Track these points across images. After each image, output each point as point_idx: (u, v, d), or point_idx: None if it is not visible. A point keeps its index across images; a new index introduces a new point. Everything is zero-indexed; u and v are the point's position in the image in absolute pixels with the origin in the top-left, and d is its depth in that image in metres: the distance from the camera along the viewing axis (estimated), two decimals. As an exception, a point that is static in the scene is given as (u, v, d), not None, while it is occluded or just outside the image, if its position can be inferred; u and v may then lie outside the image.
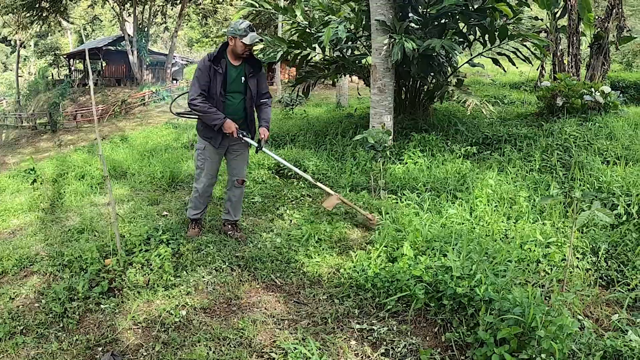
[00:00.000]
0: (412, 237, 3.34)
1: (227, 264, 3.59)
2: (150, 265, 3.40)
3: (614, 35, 9.64)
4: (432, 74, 7.65)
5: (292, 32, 8.27)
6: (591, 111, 6.77)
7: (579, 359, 1.98)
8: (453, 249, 3.05)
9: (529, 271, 2.97)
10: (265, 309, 3.00)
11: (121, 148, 10.48)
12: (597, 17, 9.59)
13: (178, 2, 31.40)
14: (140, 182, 6.51)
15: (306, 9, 8.54)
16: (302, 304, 3.04)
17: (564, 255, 3.26)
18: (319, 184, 4.14)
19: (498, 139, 7.21)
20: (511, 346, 1.94)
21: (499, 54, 7.44)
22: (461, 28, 7.31)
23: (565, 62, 11.14)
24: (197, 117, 3.93)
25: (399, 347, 2.37)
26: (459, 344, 2.31)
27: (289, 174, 6.39)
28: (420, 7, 6.86)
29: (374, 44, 6.91)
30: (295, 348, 2.36)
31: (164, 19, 35.33)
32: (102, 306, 3.00)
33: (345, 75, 11.61)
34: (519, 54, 7.12)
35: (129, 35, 31.32)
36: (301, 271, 3.51)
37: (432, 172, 5.93)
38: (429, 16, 6.82)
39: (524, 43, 6.96)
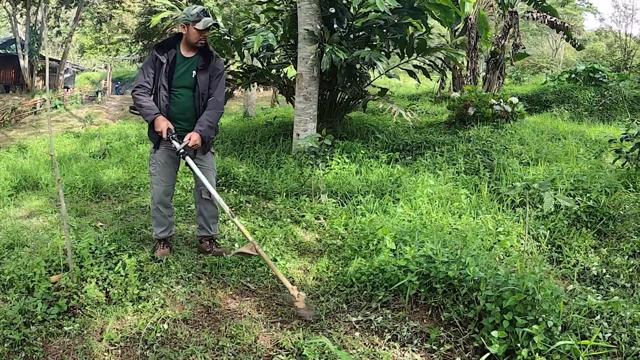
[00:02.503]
0: (381, 232, 3.60)
1: (191, 272, 3.52)
2: (107, 279, 3.22)
3: (509, 52, 11.06)
4: (353, 84, 8.14)
5: (210, 39, 8.23)
6: (500, 119, 7.73)
7: (568, 315, 2.36)
8: (425, 240, 3.36)
9: (491, 256, 3.39)
10: (249, 313, 3.03)
11: (22, 158, 9.57)
12: (494, 35, 10.95)
13: (73, 4, 29.21)
14: (58, 193, 6.03)
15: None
16: (285, 306, 3.11)
17: (512, 243, 3.76)
18: (235, 221, 3.28)
19: (417, 146, 7.87)
20: (516, 311, 2.27)
21: (415, 66, 8.17)
22: (379, 41, 7.91)
23: (464, 75, 12.49)
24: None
25: (403, 332, 2.59)
26: (458, 320, 2.60)
27: (219, 181, 6.33)
28: (346, 19, 7.31)
29: (301, 53, 7.20)
30: (309, 344, 2.45)
31: (57, 22, 32.69)
32: (65, 328, 2.76)
33: (258, 85, 11.75)
34: (433, 66, 7.90)
35: (20, 38, 28.45)
36: (270, 275, 3.58)
37: (364, 176, 6.32)
38: (353, 28, 7.29)
39: (438, 56, 7.74)
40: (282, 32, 7.81)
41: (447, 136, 7.93)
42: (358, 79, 7.85)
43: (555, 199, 2.79)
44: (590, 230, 3.92)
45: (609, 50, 27.09)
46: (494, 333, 2.23)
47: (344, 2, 7.09)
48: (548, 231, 3.87)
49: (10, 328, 2.69)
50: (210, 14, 3.52)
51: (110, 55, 38.39)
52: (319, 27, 6.97)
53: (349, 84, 8.01)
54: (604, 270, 3.28)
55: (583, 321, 2.39)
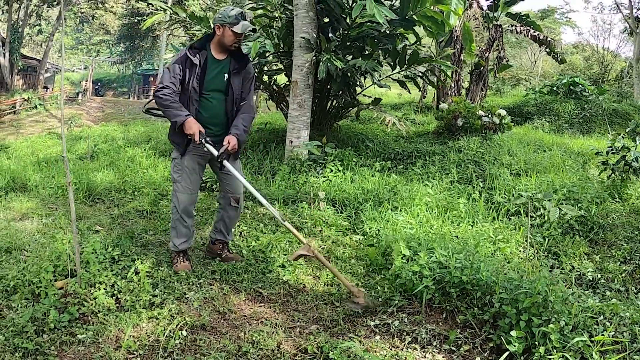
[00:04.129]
0: (392, 240, 3.78)
1: (202, 279, 3.61)
2: (114, 285, 3.24)
3: (493, 64, 11.47)
4: (345, 92, 8.35)
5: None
6: (488, 131, 8.05)
7: (575, 315, 2.57)
8: (434, 247, 3.55)
9: (494, 262, 3.60)
10: (265, 319, 3.12)
11: (6, 159, 9.42)
12: (479, 48, 11.35)
13: (56, 3, 28.79)
14: (50, 195, 6.01)
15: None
16: (301, 312, 3.24)
17: (512, 249, 3.99)
18: (286, 224, 3.35)
19: (408, 155, 8.12)
20: (532, 312, 2.47)
21: (406, 77, 8.43)
22: (372, 51, 8.14)
23: (448, 87, 12.86)
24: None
25: (422, 335, 2.75)
26: (474, 322, 2.79)
27: (213, 187, 6.40)
28: (341, 28, 7.51)
29: (297, 61, 7.37)
30: (336, 346, 2.58)
31: (38, 21, 32.16)
32: (78, 337, 2.75)
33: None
34: (423, 77, 8.17)
35: (1, 36, 27.82)
36: (280, 281, 3.71)
37: (359, 184, 6.50)
38: (348, 38, 7.50)
39: (429, 67, 8.01)
40: (276, 40, 7.96)
41: (437, 146, 8.20)
42: (352, 87, 8.05)
43: (560, 209, 3.01)
44: (583, 238, 4.19)
45: (587, 64, 28.19)
46: (513, 333, 2.42)
47: (340, 11, 7.29)
48: (545, 239, 4.12)
49: (22, 336, 2.65)
50: (247, 18, 3.50)
51: (90, 57, 37.86)
52: (315, 35, 7.16)
53: (340, 92, 8.21)
54: (599, 276, 3.53)
55: (589, 321, 2.60)
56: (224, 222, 3.81)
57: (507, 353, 2.39)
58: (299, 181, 6.64)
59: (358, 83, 8.35)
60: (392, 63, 8.14)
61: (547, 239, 4.16)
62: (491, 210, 5.03)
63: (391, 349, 2.62)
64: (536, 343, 2.39)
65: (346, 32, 7.44)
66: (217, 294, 3.38)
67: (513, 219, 4.75)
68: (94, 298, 3.06)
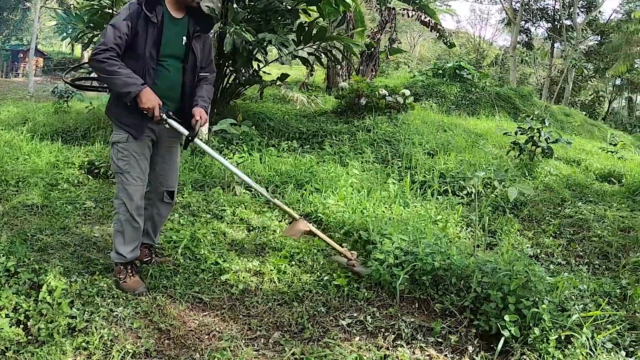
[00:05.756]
0: (334, 225, 3.53)
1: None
2: (19, 308, 2.52)
3: (385, 47, 11.73)
4: (248, 68, 7.86)
5: (87, 10, 7.18)
6: (392, 110, 8.17)
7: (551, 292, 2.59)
8: (390, 233, 3.38)
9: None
10: (217, 331, 2.67)
11: None
12: (371, 30, 11.50)
13: None
14: None
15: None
16: (255, 317, 2.84)
17: (452, 229, 4.01)
18: (277, 201, 3.08)
19: (313, 134, 7.94)
20: (518, 294, 2.41)
21: (310, 53, 8.18)
22: (277, 26, 7.75)
23: (338, 67, 12.92)
24: (102, 85, 2.89)
25: (403, 330, 2.56)
26: (454, 310, 2.67)
27: (109, 173, 5.57)
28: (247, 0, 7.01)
29: (198, 31, 6.69)
30: (319, 356, 2.28)
31: None
32: None
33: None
34: (329, 55, 7.99)
35: None
36: (219, 282, 3.25)
37: (272, 166, 6.16)
38: (254, 10, 7.02)
39: (335, 45, 7.85)
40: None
41: (342, 125, 8.12)
42: (258, 63, 7.60)
43: (516, 189, 3.02)
44: (513, 215, 4.37)
45: (464, 50, 30.68)
46: (506, 317, 2.34)
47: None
48: (481, 218, 4.20)
49: None
50: None
51: None
52: (219, 5, 6.55)
53: (243, 69, 7.71)
54: (539, 251, 3.67)
55: (561, 297, 2.63)
56: (152, 222, 3.20)
57: (503, 339, 2.30)
58: (204, 164, 6.10)
59: (262, 59, 7.91)
60: (295, 39, 7.84)
61: (480, 218, 4.26)
62: (417, 190, 5.04)
63: (379, 350, 2.38)
64: (529, 325, 2.33)
65: (252, 3, 6.95)
66: (151, 307, 2.80)
67: (441, 199, 4.81)
68: (-1, 329, 2.34)
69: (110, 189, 4.97)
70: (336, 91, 9.52)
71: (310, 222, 3.65)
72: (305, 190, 5.12)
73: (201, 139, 3.01)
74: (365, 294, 2.91)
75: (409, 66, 26.30)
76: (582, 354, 2.17)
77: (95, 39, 7.07)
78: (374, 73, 12.53)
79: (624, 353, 2.25)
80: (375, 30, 11.55)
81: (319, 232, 2.98)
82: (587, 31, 28.60)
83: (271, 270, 3.41)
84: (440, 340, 2.49)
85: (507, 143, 6.73)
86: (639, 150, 10.82)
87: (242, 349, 2.47)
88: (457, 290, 2.77)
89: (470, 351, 2.37)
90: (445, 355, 2.38)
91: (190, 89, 2.96)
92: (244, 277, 3.30)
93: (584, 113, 19.12)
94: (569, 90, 25.87)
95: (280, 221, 4.47)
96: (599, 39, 29.25)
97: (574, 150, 7.58)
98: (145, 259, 3.25)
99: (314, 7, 7.88)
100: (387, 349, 2.41)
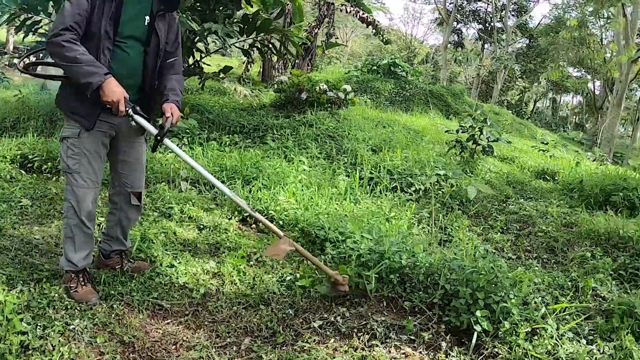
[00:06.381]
0: (289, 223, 3.49)
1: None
2: None
3: (322, 41, 11.74)
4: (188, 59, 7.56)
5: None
6: (333, 105, 8.20)
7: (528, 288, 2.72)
8: (351, 231, 3.39)
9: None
10: (185, 340, 2.53)
11: None
12: (308, 24, 11.46)
13: None
14: None
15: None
16: (221, 323, 2.72)
17: (406, 226, 4.10)
18: (258, 215, 2.79)
19: (254, 128, 7.78)
20: (487, 290, 2.51)
21: (251, 45, 8.01)
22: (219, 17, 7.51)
23: (274, 60, 12.79)
24: (60, 73, 2.54)
25: (376, 328, 2.57)
26: (423, 307, 2.72)
27: (43, 167, 5.11)
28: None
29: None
30: None
31: None
32: None
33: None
34: (271, 48, 7.88)
35: None
36: (177, 286, 3.09)
37: (215, 160, 5.97)
38: (196, -2, 6.74)
39: (278, 38, 7.75)
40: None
41: (283, 120, 8.03)
42: (201, 54, 7.32)
43: (475, 187, 3.14)
44: (461, 212, 4.55)
45: (396, 47, 31.39)
46: (478, 313, 2.43)
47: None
48: (431, 215, 4.33)
49: None
50: None
51: None
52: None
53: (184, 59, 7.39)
54: (490, 246, 3.85)
55: (525, 291, 2.77)
56: (121, 227, 2.95)
57: (475, 334, 2.38)
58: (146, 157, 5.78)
59: (203, 49, 7.63)
60: (240, 30, 7.64)
61: (429, 214, 4.39)
62: (365, 187, 5.10)
63: (355, 351, 2.38)
64: (499, 319, 2.44)
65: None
66: (109, 317, 2.59)
67: (390, 195, 4.90)
68: None
69: (46, 185, 4.57)
70: (275, 85, 9.40)
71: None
72: (253, 186, 5.01)
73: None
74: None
75: (340, 61, 26.66)
76: (551, 345, 2.31)
77: (28, 22, 6.44)
78: (309, 67, 12.54)
79: (584, 341, 2.43)
80: (313, 24, 11.54)
81: (305, 252, 2.79)
82: (516, 33, 30.46)
83: (230, 271, 3.31)
84: (413, 337, 2.53)
85: (444, 140, 7.01)
86: (565, 148, 11.71)
87: (214, 358, 2.36)
88: (424, 287, 2.84)
89: (444, 347, 2.44)
90: (420, 352, 2.42)
91: (152, 77, 2.67)
92: (203, 280, 3.17)
93: (512, 112, 20.38)
94: (498, 89, 27.45)
95: (230, 219, 4.35)
96: (528, 41, 31.27)
97: (508, 148, 8.04)
98: (117, 267, 3.02)
99: (257, -1, 7.76)
100: (363, 349, 2.42)
